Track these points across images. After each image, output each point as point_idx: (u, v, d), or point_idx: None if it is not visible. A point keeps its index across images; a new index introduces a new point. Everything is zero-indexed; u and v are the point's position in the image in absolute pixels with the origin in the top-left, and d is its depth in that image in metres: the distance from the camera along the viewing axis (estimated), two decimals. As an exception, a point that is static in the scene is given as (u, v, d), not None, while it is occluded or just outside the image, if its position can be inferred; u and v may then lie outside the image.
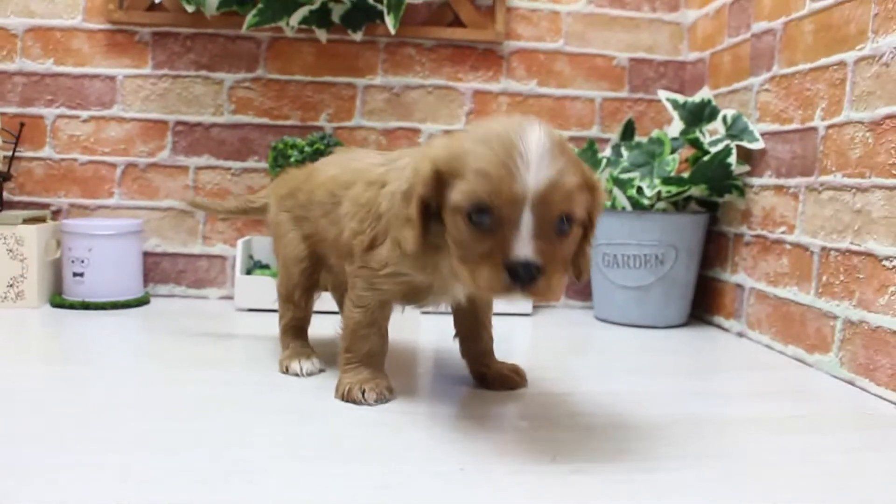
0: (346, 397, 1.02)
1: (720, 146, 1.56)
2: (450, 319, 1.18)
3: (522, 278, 0.79)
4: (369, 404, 1.01)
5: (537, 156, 0.80)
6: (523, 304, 1.73)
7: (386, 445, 0.88)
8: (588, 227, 0.90)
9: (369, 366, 1.05)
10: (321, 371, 1.18)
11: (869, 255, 1.20)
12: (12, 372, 1.15)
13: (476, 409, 1.04)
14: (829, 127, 1.32)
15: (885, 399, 1.15)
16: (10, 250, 1.61)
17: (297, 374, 1.16)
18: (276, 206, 1.25)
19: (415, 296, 1.04)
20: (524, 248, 0.79)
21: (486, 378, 1.15)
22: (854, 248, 1.24)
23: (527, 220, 0.80)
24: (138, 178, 1.79)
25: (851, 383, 1.23)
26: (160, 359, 1.26)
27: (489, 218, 0.81)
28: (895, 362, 1.13)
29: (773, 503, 0.76)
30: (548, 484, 0.78)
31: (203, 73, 1.78)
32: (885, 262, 1.17)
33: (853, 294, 1.24)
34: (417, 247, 0.89)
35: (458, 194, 0.83)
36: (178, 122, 1.78)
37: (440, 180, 0.86)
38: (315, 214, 1.15)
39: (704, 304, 1.75)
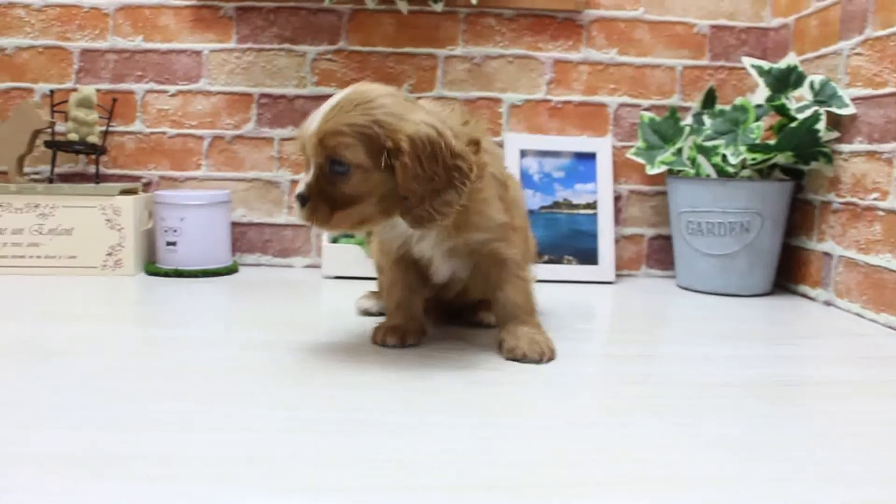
0: (372, 339, 1.14)
1: (808, 112, 1.54)
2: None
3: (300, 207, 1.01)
4: (388, 347, 1.11)
5: (321, 111, 0.99)
6: (598, 272, 1.75)
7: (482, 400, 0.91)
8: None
9: (398, 316, 1.15)
10: (380, 313, 1.32)
11: (973, 219, 1.19)
12: (113, 335, 1.19)
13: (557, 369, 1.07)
14: (929, 90, 1.30)
15: None
16: (109, 220, 1.67)
17: (361, 312, 1.36)
18: None
19: (408, 251, 1.11)
20: (301, 185, 1.01)
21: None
22: (956, 212, 1.23)
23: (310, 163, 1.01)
24: (224, 149, 1.84)
25: (951, 349, 1.22)
26: (250, 323, 1.30)
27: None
28: None
29: (852, 461, 0.77)
30: (633, 434, 0.80)
31: (286, 45, 1.81)
32: None
33: (954, 259, 1.23)
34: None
35: None
36: (263, 95, 1.82)
37: None
38: None
39: (789, 272, 1.73)
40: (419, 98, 1.12)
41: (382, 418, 0.83)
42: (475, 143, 1.01)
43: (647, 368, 1.08)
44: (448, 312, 1.30)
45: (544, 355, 1.06)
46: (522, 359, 1.06)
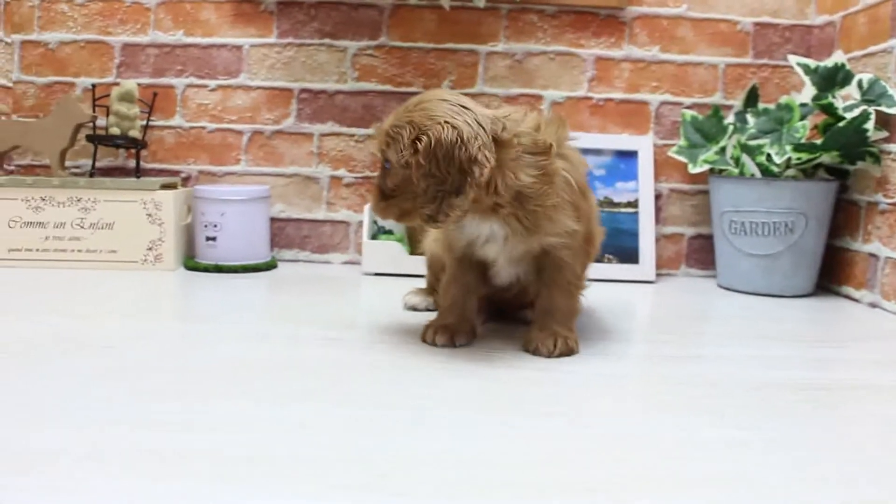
0: (422, 337, 1.14)
1: (856, 112, 1.53)
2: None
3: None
4: (436, 346, 1.11)
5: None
6: (641, 270, 1.74)
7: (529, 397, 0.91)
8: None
9: (450, 315, 1.15)
10: (427, 309, 1.35)
11: None
12: (154, 330, 1.19)
13: (588, 368, 1.07)
14: None
15: None
16: (150, 215, 1.67)
17: (408, 307, 1.37)
18: None
19: (473, 251, 1.11)
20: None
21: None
22: None
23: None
24: (264, 145, 1.84)
25: None
26: (292, 319, 1.29)
27: None
28: None
29: (852, 461, 0.75)
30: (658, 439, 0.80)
31: (327, 41, 1.81)
32: None
33: None
34: None
35: None
36: (303, 90, 1.82)
37: None
38: None
39: (831, 273, 1.72)
40: (490, 99, 1.11)
41: (393, 415, 0.83)
42: (545, 149, 1.01)
43: (680, 370, 1.07)
44: (499, 307, 1.29)
45: (554, 351, 1.08)
46: (535, 352, 1.09)
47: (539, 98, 1.81)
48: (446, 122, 0.96)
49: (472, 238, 1.09)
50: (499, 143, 0.98)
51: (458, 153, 0.95)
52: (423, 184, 0.97)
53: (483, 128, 0.97)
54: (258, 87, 1.82)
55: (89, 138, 1.73)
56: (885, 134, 1.54)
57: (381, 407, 0.86)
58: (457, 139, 0.95)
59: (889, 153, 1.53)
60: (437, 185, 0.96)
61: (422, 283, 1.42)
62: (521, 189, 1.00)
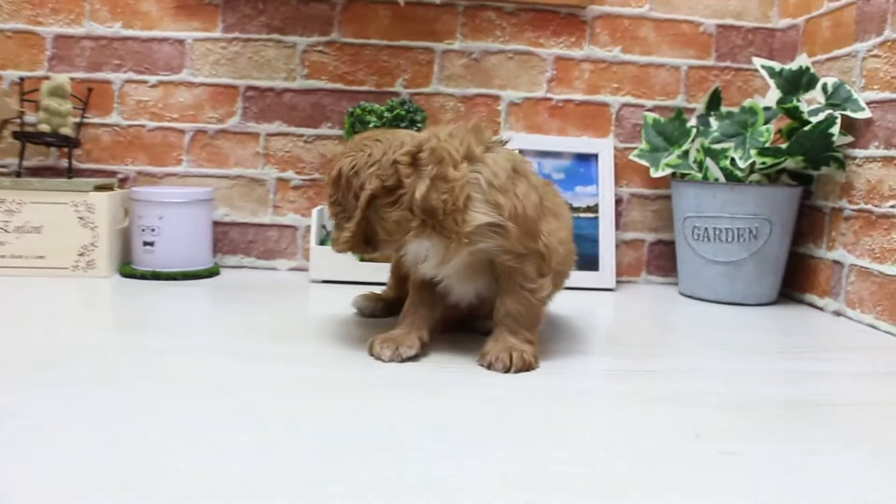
0: (368, 350, 1.08)
1: (821, 116, 1.49)
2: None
3: None
4: (382, 360, 1.05)
5: None
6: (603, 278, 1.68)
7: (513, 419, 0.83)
8: None
9: (398, 327, 1.11)
10: (372, 315, 1.32)
11: None
12: (88, 343, 1.10)
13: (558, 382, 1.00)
14: (955, 93, 1.24)
15: None
16: (82, 218, 1.56)
17: (354, 308, 1.34)
18: None
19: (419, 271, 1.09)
20: None
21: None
22: (985, 221, 1.17)
23: None
24: (207, 144, 1.74)
25: (977, 365, 1.16)
26: (237, 330, 1.21)
27: None
28: None
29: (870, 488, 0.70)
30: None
31: (275, 36, 1.72)
32: None
33: (982, 271, 1.17)
34: None
35: None
36: (249, 87, 1.73)
37: None
38: None
39: (795, 280, 1.68)
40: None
41: (348, 437, 0.76)
42: (440, 159, 1.00)
43: (648, 385, 1.01)
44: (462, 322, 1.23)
45: (511, 367, 1.02)
46: (490, 367, 1.03)
47: (497, 98, 1.74)
48: (350, 154, 1.03)
49: (413, 259, 1.06)
50: (398, 164, 1.00)
51: (353, 181, 1.01)
52: (332, 210, 1.06)
53: (387, 155, 1.01)
54: (202, 84, 1.72)
55: (16, 135, 1.61)
56: (850, 139, 1.50)
57: (335, 429, 0.79)
58: (352, 169, 1.01)
59: (854, 158, 1.50)
60: (341, 212, 1.04)
61: (373, 290, 1.35)
62: (426, 198, 0.98)
